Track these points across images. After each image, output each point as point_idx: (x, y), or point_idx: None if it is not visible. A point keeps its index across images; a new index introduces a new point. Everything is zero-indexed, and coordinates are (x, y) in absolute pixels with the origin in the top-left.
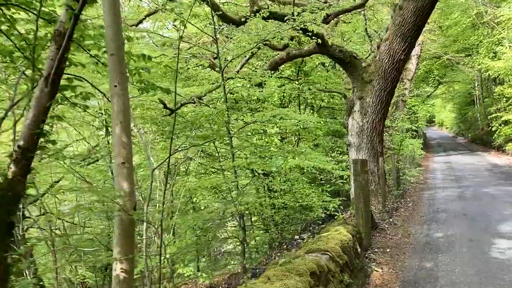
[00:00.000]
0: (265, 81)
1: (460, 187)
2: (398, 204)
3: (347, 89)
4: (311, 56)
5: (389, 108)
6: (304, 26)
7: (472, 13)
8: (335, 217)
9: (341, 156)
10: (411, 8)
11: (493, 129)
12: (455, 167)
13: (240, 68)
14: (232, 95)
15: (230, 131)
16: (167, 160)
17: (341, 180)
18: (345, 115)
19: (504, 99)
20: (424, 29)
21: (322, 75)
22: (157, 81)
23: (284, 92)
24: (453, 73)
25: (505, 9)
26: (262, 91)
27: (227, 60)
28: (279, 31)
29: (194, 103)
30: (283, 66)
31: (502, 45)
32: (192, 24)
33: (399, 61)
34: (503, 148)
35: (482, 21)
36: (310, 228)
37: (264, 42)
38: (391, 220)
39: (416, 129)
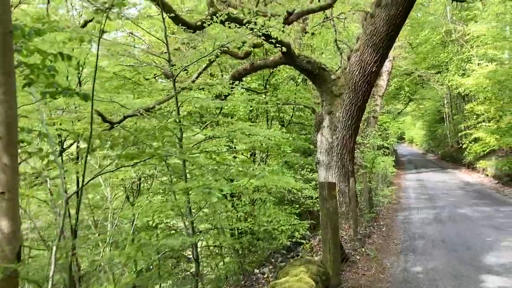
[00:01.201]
0: (228, 93)
1: (434, 208)
2: (370, 229)
3: (317, 103)
4: (279, 69)
5: (360, 124)
6: (266, 31)
7: (442, 31)
8: (302, 246)
9: (311, 174)
10: (384, 16)
11: (464, 146)
12: (428, 185)
13: (197, 77)
14: (186, 107)
15: (183, 148)
16: (81, 187)
17: (311, 200)
18: (314, 131)
19: (474, 116)
20: (395, 45)
21: (291, 88)
22: (110, 92)
23: (251, 107)
24: (423, 90)
25: (472, 28)
26: (223, 101)
27: (180, 68)
28: (240, 36)
29: (142, 115)
30: (249, 78)
31: (471, 63)
32: (136, 25)
33: (371, 73)
34: (474, 166)
35: (451, 39)
36: (273, 260)
37: (223, 49)
38: (363, 249)
39: (388, 146)
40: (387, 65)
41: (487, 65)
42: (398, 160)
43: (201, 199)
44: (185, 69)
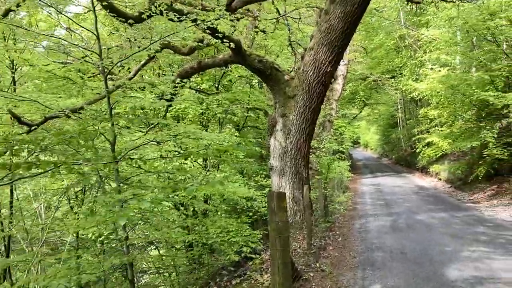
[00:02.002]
0: (172, 93)
1: (391, 215)
2: (326, 240)
3: (270, 106)
4: (231, 69)
5: (316, 128)
6: (211, 24)
7: (396, 36)
8: (251, 263)
9: (265, 180)
10: (339, 13)
11: (417, 150)
12: (384, 190)
13: (134, 75)
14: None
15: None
16: None
17: (265, 208)
18: (267, 135)
19: (428, 120)
20: (350, 48)
21: (244, 90)
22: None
23: (202, 109)
24: (378, 95)
25: (425, 32)
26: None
27: (113, 64)
28: (181, 29)
29: (68, 117)
30: (199, 79)
31: (424, 68)
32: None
33: (325, 74)
34: (427, 170)
35: (404, 44)
36: (217, 280)
37: (163, 43)
38: (318, 265)
39: (343, 150)
40: (342, 69)
41: (439, 70)
42: (353, 165)
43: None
44: (122, 66)
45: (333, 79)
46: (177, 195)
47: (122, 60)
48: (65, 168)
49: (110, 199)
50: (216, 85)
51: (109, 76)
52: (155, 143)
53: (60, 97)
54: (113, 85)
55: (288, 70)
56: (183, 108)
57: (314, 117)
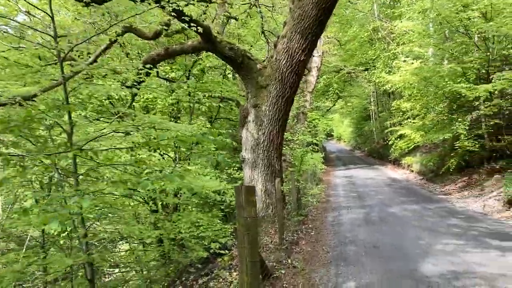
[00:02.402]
0: (136, 80)
1: (364, 207)
2: (298, 234)
3: (242, 96)
4: (202, 57)
5: (290, 120)
6: (177, 6)
7: (369, 28)
8: (220, 259)
9: (238, 173)
10: None
11: (390, 143)
12: (356, 182)
13: (94, 60)
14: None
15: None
16: None
17: None
18: (239, 126)
19: (400, 113)
20: (324, 39)
21: (215, 80)
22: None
23: (173, 100)
24: (351, 87)
25: (399, 24)
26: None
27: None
28: (144, 10)
29: (20, 105)
30: (168, 67)
31: (398, 60)
32: None
33: (299, 63)
34: (399, 162)
35: (378, 37)
36: (183, 279)
37: (124, 25)
38: (289, 261)
39: (317, 142)
40: (316, 61)
41: (412, 63)
42: (327, 157)
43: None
44: (88, 54)
45: (307, 71)
46: (148, 190)
47: (79, 43)
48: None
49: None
50: (187, 75)
51: (69, 63)
52: (119, 133)
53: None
54: (71, 71)
55: (262, 60)
56: (152, 98)
57: (287, 107)
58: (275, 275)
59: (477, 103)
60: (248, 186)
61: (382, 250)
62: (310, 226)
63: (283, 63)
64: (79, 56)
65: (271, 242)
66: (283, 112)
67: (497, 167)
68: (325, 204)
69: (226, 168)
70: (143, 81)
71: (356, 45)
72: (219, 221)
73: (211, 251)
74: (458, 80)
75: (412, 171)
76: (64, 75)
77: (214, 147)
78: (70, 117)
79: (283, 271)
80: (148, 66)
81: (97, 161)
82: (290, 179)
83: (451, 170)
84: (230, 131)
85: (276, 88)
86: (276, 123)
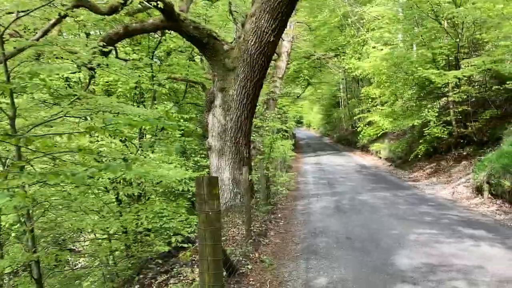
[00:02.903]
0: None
1: (334, 194)
2: (267, 225)
3: (209, 79)
4: (165, 38)
5: (259, 107)
6: None
7: (339, 13)
8: (183, 252)
9: (205, 160)
10: None
11: (358, 129)
12: (326, 169)
13: (41, 36)
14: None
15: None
16: None
17: None
18: (205, 111)
19: (370, 99)
20: (294, 23)
21: (181, 62)
22: None
23: (137, 84)
24: (321, 74)
25: (370, 9)
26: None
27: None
28: None
29: None
30: (129, 48)
31: (368, 46)
32: None
33: (268, 44)
34: (368, 148)
35: (348, 22)
36: (141, 276)
37: None
38: (257, 255)
39: (287, 129)
40: (286, 46)
41: (382, 49)
42: (297, 144)
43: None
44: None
45: (277, 56)
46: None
47: (20, 16)
48: None
49: None
50: (151, 57)
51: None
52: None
53: None
54: (14, 47)
55: (230, 42)
56: (112, 81)
57: (256, 91)
58: (241, 271)
59: (446, 89)
60: (210, 177)
61: (354, 241)
62: (279, 215)
63: (251, 44)
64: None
65: (238, 233)
66: (252, 97)
67: (464, 153)
68: (295, 192)
69: (193, 155)
70: (100, 63)
71: (326, 31)
72: (184, 211)
73: (173, 245)
74: (428, 66)
75: (380, 157)
76: (3, 51)
77: (180, 134)
78: (12, 100)
79: (249, 267)
80: (103, 45)
81: (35, 149)
82: (259, 167)
83: (420, 156)
84: (198, 116)
85: (244, 71)
86: (245, 108)
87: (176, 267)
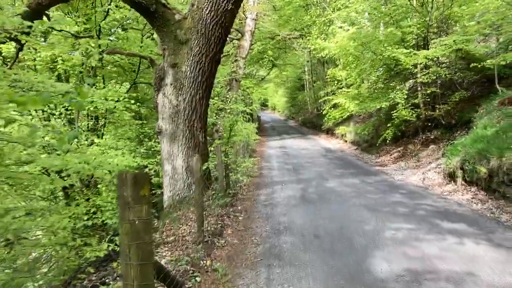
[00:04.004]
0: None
1: (300, 181)
2: (224, 221)
3: (159, 54)
4: (110, 7)
5: (222, 88)
6: None
7: None
8: (116, 264)
9: (159, 145)
10: None
11: (323, 112)
12: (291, 153)
13: None
14: None
15: None
16: None
17: (158, 178)
18: (154, 90)
19: (335, 82)
20: (258, 0)
21: (130, 35)
22: None
23: (83, 60)
24: (286, 55)
25: None
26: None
27: None
28: None
29: None
30: (70, 19)
31: (334, 26)
32: None
33: (225, 13)
34: (333, 131)
35: (313, 2)
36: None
37: None
38: (208, 262)
39: (251, 112)
40: (250, 24)
41: (348, 29)
42: (261, 127)
43: None
44: None
45: (240, 35)
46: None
47: None
48: None
49: None
50: (97, 30)
51: None
52: None
53: None
54: None
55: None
56: (51, 56)
57: (213, 68)
58: (187, 286)
59: (416, 70)
60: (137, 174)
61: (324, 240)
62: (239, 208)
63: (206, 12)
64: None
65: (190, 232)
66: (208, 74)
67: (432, 137)
68: (258, 179)
69: (146, 140)
70: (28, 33)
71: (291, 10)
72: None
73: (110, 247)
74: (397, 47)
75: (346, 141)
76: None
77: (130, 116)
78: None
79: (198, 279)
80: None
81: None
82: (216, 153)
83: (387, 140)
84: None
85: (198, 44)
86: (200, 86)
87: (108, 279)
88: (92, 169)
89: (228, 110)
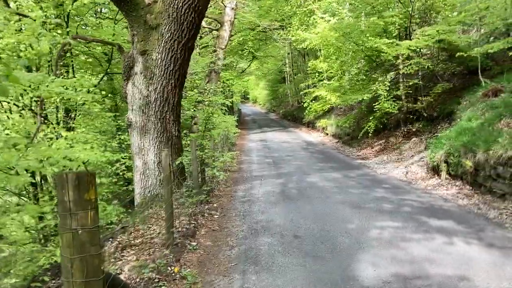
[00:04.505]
0: None
1: (280, 176)
2: (198, 219)
3: (129, 41)
4: None
5: (202, 80)
6: None
7: None
8: None
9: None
10: None
11: (304, 105)
12: (271, 146)
13: None
14: None
15: None
16: None
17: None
18: (123, 80)
19: (317, 74)
20: None
21: (103, 23)
22: None
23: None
24: (267, 47)
25: None
26: None
27: None
28: None
29: None
30: (32, 3)
31: (315, 16)
32: None
33: None
34: (314, 124)
35: None
36: None
37: None
38: (176, 269)
39: (231, 104)
40: (229, 14)
41: (329, 20)
42: (242, 120)
43: None
44: None
45: (219, 25)
46: None
47: None
48: None
49: None
50: (65, 16)
51: None
52: None
53: None
54: None
55: None
56: (14, 43)
57: (186, 55)
58: None
59: (399, 60)
60: (80, 174)
61: (305, 241)
62: (215, 205)
63: None
64: None
65: (160, 233)
66: (181, 62)
67: (414, 129)
68: (237, 173)
69: (120, 133)
70: None
71: (272, 0)
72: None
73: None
74: (379, 38)
75: (327, 134)
76: None
77: (100, 108)
78: None
79: None
80: None
81: None
82: (191, 147)
83: (369, 133)
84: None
85: (170, 29)
86: (172, 75)
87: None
88: (47, 167)
89: (207, 102)
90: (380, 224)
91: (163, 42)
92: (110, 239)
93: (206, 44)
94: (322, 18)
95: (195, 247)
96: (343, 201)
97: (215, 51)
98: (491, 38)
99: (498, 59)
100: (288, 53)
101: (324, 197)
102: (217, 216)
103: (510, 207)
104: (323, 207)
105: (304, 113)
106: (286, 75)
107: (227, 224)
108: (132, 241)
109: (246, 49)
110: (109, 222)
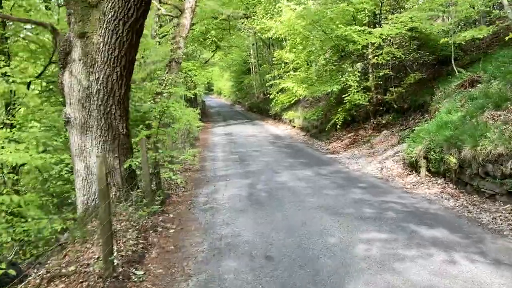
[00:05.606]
0: None
1: (248, 175)
2: (148, 237)
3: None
4: None
5: (162, 70)
6: None
7: None
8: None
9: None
10: None
11: (271, 97)
12: (237, 141)
13: None
14: None
15: None
16: None
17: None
18: (59, 68)
19: (283, 65)
20: None
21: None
22: None
23: None
24: (231, 37)
25: None
26: None
27: None
28: None
29: None
30: None
31: (281, 3)
32: None
33: None
34: (281, 117)
35: None
36: None
37: None
38: None
39: (194, 96)
40: (190, 1)
41: (295, 8)
42: (206, 112)
43: None
44: None
45: (179, 12)
46: None
47: None
48: None
49: None
50: None
51: None
52: None
53: None
54: None
55: None
56: None
57: (134, 39)
58: None
59: (369, 50)
60: None
61: (280, 265)
62: (171, 216)
63: None
64: None
65: (97, 259)
66: (127, 47)
67: (384, 122)
68: (198, 173)
69: (64, 130)
70: None
71: None
72: (34, 211)
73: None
74: (349, 27)
75: (294, 126)
76: None
77: (40, 102)
78: None
79: None
80: None
81: None
82: (141, 148)
83: (338, 126)
84: None
85: (114, 8)
86: (117, 63)
87: None
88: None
89: (165, 94)
90: (366, 237)
91: (105, 22)
92: (38, 266)
93: (166, 33)
94: (288, 6)
95: (141, 278)
96: (319, 206)
97: (174, 37)
98: (459, 28)
99: (466, 48)
100: (253, 44)
101: (297, 201)
102: (172, 230)
103: (502, 210)
104: (297, 214)
105: (271, 105)
106: (251, 66)
107: (185, 242)
108: (64, 269)
109: (209, 38)
110: (47, 235)
